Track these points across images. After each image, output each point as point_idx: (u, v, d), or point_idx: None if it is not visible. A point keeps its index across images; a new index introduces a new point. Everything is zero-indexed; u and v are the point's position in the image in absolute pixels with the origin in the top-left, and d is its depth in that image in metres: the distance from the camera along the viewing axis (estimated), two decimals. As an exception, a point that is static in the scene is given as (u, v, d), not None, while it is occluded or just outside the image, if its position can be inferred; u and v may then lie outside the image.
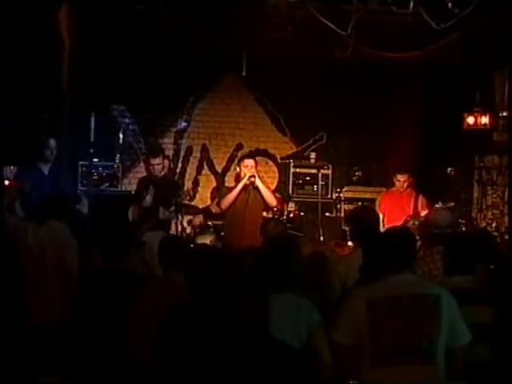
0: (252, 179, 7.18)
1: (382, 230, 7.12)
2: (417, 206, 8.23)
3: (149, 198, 7.19)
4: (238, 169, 7.47)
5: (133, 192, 7.89)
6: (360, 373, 3.53)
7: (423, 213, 7.93)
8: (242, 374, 3.54)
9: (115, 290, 4.58)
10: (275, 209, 7.87)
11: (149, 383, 3.99)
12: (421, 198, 8.35)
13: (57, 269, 5.28)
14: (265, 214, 7.53)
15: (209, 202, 8.83)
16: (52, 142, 6.83)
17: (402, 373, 3.46)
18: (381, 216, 8.29)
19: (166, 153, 9.50)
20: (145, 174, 9.54)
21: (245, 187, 7.21)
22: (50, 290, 5.26)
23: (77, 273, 5.25)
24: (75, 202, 6.38)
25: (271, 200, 7.35)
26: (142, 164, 9.64)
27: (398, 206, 8.24)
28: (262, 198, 7.28)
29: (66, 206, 5.70)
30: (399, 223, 7.37)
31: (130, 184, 9.31)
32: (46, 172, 6.86)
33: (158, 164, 7.60)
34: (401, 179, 8.40)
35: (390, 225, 7.18)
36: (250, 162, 7.34)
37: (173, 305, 3.81)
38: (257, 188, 7.23)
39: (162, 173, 7.75)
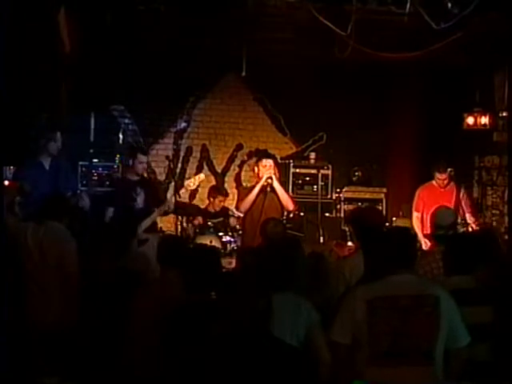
0: (269, 180, 7.12)
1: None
2: (459, 205, 7.44)
3: (140, 200, 7.01)
4: (256, 169, 7.33)
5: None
6: (357, 372, 3.52)
7: (468, 214, 7.37)
8: (242, 373, 3.54)
9: (115, 290, 4.58)
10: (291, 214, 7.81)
11: (149, 383, 3.99)
12: (464, 196, 7.63)
13: (56, 270, 5.27)
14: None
15: (207, 202, 8.81)
16: (59, 136, 6.77)
17: (400, 373, 3.46)
18: (416, 214, 7.75)
19: (166, 153, 9.52)
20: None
21: (262, 189, 7.13)
22: (50, 291, 5.25)
23: (77, 273, 5.24)
24: (76, 201, 6.34)
25: (288, 203, 7.25)
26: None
27: (437, 203, 7.10)
28: (279, 200, 7.19)
29: (66, 206, 5.69)
30: None
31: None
32: (47, 167, 6.82)
33: (145, 162, 7.37)
34: (440, 178, 7.64)
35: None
36: (268, 161, 7.27)
37: (172, 304, 3.82)
38: (274, 190, 7.15)
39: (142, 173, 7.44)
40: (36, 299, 5.21)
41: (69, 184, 6.82)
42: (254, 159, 8.55)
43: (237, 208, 7.62)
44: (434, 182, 7.81)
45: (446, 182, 7.69)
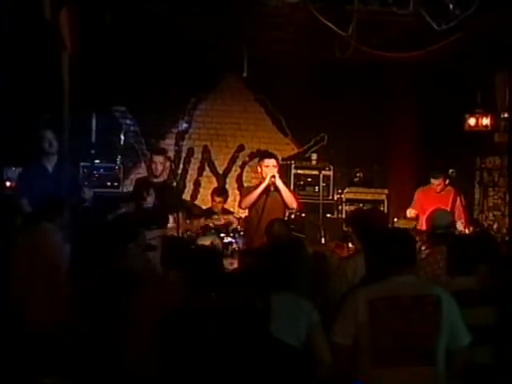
0: (273, 179, 7.22)
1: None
2: (454, 209, 7.45)
3: (150, 200, 7.11)
4: (259, 169, 7.47)
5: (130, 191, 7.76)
6: (360, 373, 3.51)
7: (459, 220, 7.26)
8: (243, 374, 3.54)
9: (114, 291, 4.58)
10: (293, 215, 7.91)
11: (148, 383, 3.99)
12: (459, 200, 7.66)
13: (50, 271, 5.27)
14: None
15: (209, 204, 8.80)
16: (49, 133, 6.72)
17: (402, 374, 3.46)
18: (411, 210, 8.00)
19: (168, 154, 9.50)
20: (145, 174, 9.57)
21: (265, 188, 7.23)
22: (48, 292, 5.25)
23: (65, 275, 5.24)
24: (78, 199, 6.34)
25: (291, 201, 7.34)
26: (143, 165, 9.64)
27: (433, 206, 7.24)
28: (282, 199, 7.28)
29: (59, 207, 5.67)
30: None
31: (131, 185, 9.30)
32: (50, 169, 6.79)
33: (161, 163, 7.57)
34: (435, 183, 7.98)
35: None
36: (270, 161, 7.37)
37: (173, 305, 3.81)
38: (277, 188, 7.24)
39: (162, 174, 7.68)
40: (34, 300, 5.21)
41: (72, 187, 6.78)
42: (257, 160, 8.59)
43: (239, 205, 7.74)
44: (432, 186, 8.05)
45: (440, 187, 7.96)
